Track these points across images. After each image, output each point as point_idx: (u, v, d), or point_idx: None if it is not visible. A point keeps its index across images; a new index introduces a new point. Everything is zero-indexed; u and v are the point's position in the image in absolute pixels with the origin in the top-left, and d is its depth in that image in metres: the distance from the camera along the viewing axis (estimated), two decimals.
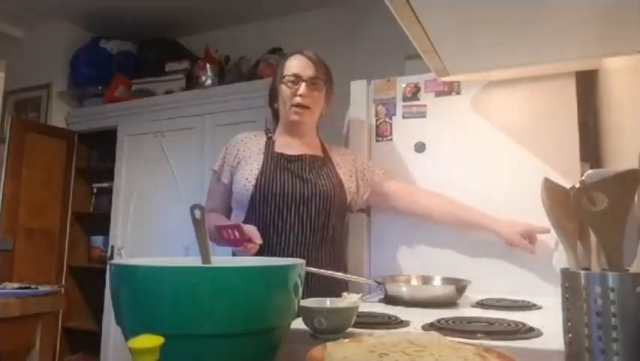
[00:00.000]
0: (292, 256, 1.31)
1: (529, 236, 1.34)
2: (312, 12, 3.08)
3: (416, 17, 0.92)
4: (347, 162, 1.51)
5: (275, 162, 1.40)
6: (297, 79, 1.42)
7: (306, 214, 1.36)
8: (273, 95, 1.50)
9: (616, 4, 0.87)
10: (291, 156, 1.42)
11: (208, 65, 2.89)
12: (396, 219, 1.61)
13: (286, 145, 1.46)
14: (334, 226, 1.41)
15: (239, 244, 1.21)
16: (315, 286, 1.27)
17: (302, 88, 1.42)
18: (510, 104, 1.54)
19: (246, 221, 1.34)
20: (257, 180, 1.35)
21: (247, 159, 1.42)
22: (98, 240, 3.17)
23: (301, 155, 1.44)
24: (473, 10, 0.91)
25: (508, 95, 1.55)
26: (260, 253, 1.24)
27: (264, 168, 1.38)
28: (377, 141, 1.70)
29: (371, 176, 1.52)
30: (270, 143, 1.46)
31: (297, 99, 1.41)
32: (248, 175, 1.37)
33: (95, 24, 3.33)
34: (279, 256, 1.30)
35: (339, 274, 1.26)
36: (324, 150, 1.52)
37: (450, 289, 1.19)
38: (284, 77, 1.43)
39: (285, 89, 1.43)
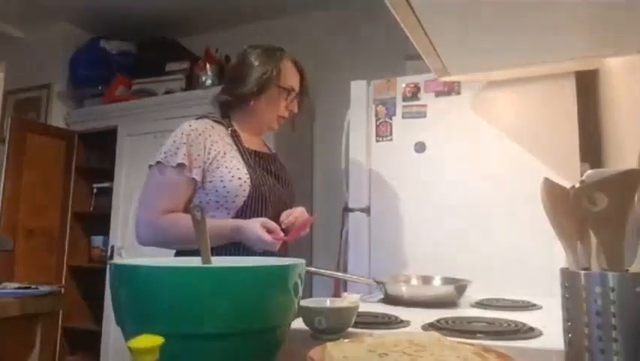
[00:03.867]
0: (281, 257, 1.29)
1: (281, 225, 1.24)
2: (312, 12, 3.08)
3: (417, 18, 0.93)
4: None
5: (253, 160, 1.32)
6: (294, 93, 1.39)
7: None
8: (251, 84, 1.33)
9: (616, 4, 0.87)
10: (264, 154, 1.39)
11: (208, 65, 2.89)
12: (396, 219, 1.62)
13: (251, 141, 1.38)
14: None
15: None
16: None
17: (294, 105, 1.39)
18: (510, 104, 1.55)
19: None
20: (251, 178, 1.26)
21: (224, 155, 1.27)
22: (98, 240, 3.17)
23: (270, 154, 1.42)
24: (474, 10, 0.91)
25: (508, 95, 1.55)
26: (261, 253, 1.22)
27: (249, 167, 1.28)
28: (377, 141, 1.70)
29: None
30: (235, 136, 1.34)
31: (286, 113, 1.39)
32: (238, 174, 1.25)
33: (95, 24, 3.33)
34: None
35: (339, 274, 1.26)
36: (266, 146, 1.50)
37: (450, 289, 1.19)
38: (285, 87, 1.37)
39: (280, 99, 1.37)
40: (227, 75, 1.43)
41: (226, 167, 1.25)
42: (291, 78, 1.38)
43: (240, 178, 1.24)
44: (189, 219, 1.25)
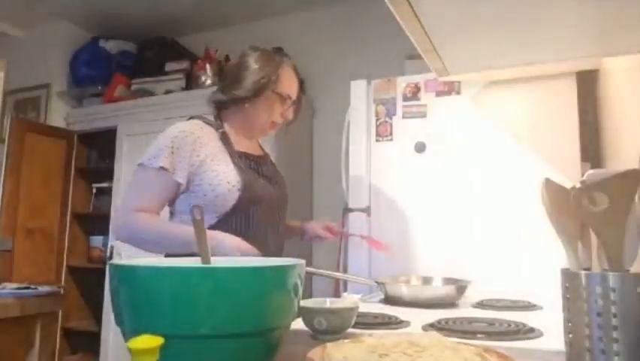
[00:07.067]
0: None
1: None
2: (312, 12, 3.08)
3: (416, 17, 0.92)
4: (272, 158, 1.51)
5: (244, 162, 1.30)
6: (290, 101, 1.37)
7: (280, 216, 1.36)
8: (248, 86, 1.32)
9: (617, 4, 0.87)
10: (254, 156, 1.37)
11: (208, 65, 2.89)
12: (396, 219, 1.61)
13: (242, 143, 1.37)
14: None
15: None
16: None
17: (290, 112, 1.38)
18: (510, 104, 1.55)
19: (222, 224, 1.24)
20: (243, 183, 1.24)
21: (212, 158, 1.26)
22: (97, 240, 3.17)
23: (261, 155, 1.42)
24: (473, 9, 0.91)
25: (508, 95, 1.55)
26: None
27: (240, 170, 1.27)
28: (377, 141, 1.70)
29: None
30: (225, 139, 1.32)
31: (280, 120, 1.37)
32: (227, 177, 1.24)
33: (95, 24, 3.33)
34: None
35: (340, 274, 1.26)
36: (261, 147, 1.49)
37: (450, 289, 1.19)
38: (282, 94, 1.34)
39: (275, 105, 1.34)
40: (224, 75, 1.41)
41: (214, 170, 1.24)
42: (289, 85, 1.36)
43: (228, 182, 1.23)
44: (163, 223, 1.25)
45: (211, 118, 1.38)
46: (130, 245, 1.26)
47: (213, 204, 1.23)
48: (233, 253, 1.12)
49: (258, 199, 1.27)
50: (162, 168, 1.22)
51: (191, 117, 1.36)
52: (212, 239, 1.15)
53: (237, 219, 1.25)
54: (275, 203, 1.33)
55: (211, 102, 1.40)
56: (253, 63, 1.35)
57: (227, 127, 1.36)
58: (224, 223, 1.23)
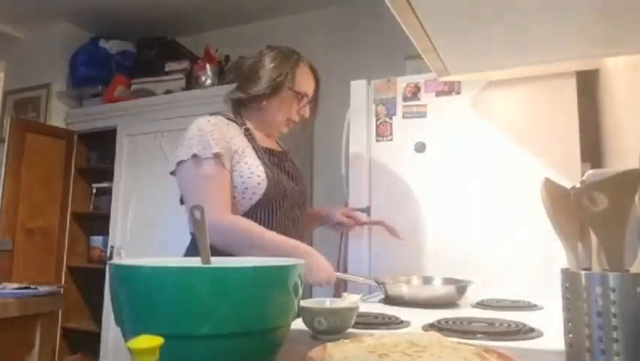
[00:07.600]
0: None
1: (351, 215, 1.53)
2: (312, 12, 3.08)
3: (416, 17, 0.92)
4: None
5: (268, 158, 1.33)
6: (306, 99, 1.40)
7: (301, 213, 1.38)
8: (265, 84, 1.34)
9: (617, 4, 0.87)
10: (277, 152, 1.39)
11: (208, 65, 2.89)
12: (396, 219, 1.61)
13: (264, 139, 1.39)
14: None
15: None
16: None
17: (307, 110, 1.41)
18: (510, 104, 1.54)
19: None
20: (267, 175, 1.26)
21: (242, 151, 1.27)
22: (97, 240, 3.17)
23: (283, 152, 1.44)
24: (474, 9, 0.91)
25: (508, 95, 1.55)
26: None
27: (265, 165, 1.29)
28: (377, 141, 1.70)
29: None
30: (249, 134, 1.34)
31: (297, 117, 1.40)
32: (257, 171, 1.26)
33: (95, 24, 3.33)
34: None
35: (340, 274, 1.26)
36: (279, 144, 1.51)
37: (450, 289, 1.19)
38: (298, 92, 1.38)
39: (292, 102, 1.38)
40: (242, 73, 1.41)
41: (246, 163, 1.26)
42: (305, 84, 1.40)
43: (258, 176, 1.25)
44: (269, 232, 1.22)
45: (231, 115, 1.39)
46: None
47: (241, 197, 1.25)
48: (316, 275, 1.16)
49: (281, 195, 1.29)
50: (216, 154, 1.21)
51: (212, 114, 1.37)
52: (304, 253, 1.17)
53: (261, 214, 1.27)
54: (296, 200, 1.35)
55: (229, 100, 1.43)
56: (270, 61, 1.38)
57: (247, 124, 1.38)
58: (248, 218, 1.25)
